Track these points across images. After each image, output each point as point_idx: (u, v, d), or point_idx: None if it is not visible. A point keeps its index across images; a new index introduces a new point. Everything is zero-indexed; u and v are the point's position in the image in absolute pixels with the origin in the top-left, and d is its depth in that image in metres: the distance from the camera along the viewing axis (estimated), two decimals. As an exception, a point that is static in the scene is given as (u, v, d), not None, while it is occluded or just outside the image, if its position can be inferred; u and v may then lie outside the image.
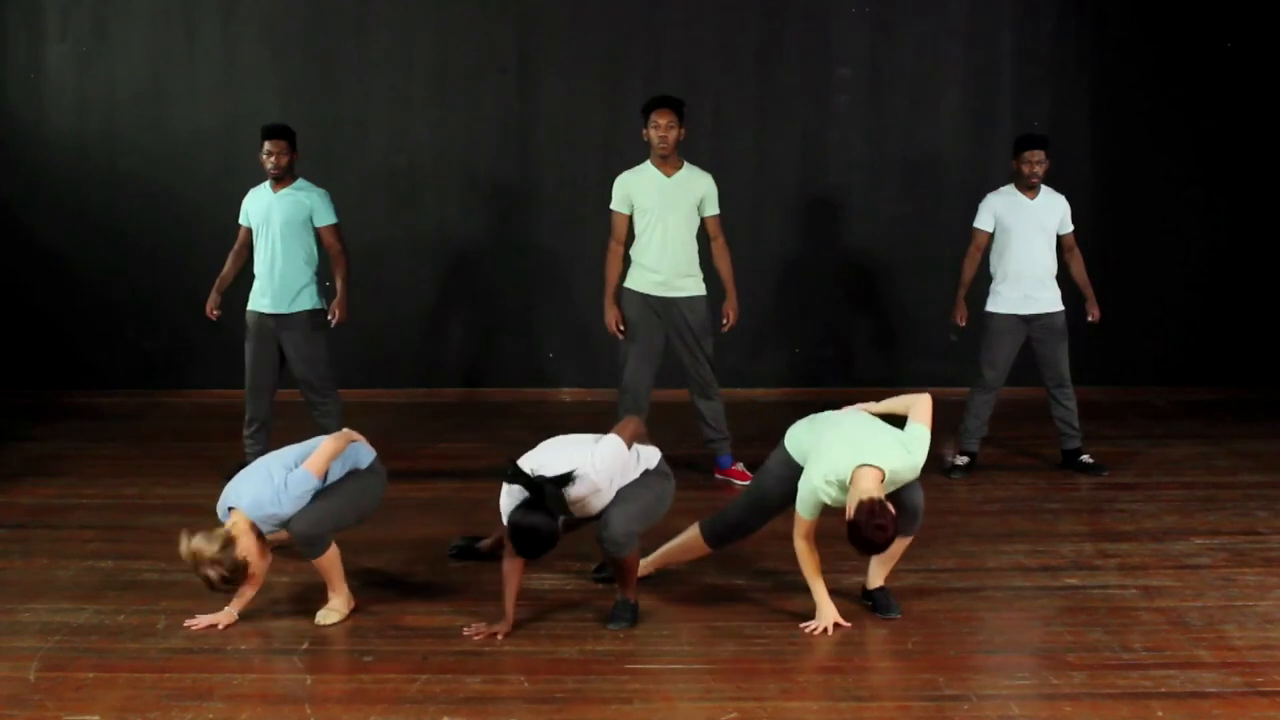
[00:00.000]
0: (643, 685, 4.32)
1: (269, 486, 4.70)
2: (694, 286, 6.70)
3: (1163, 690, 4.25)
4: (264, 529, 4.72)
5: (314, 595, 4.99)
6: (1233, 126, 8.74)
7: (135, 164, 8.68)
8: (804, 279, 8.87)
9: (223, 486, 4.85)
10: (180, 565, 5.34)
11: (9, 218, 8.74)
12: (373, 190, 8.65)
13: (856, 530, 4.45)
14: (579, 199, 8.57)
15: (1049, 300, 6.84)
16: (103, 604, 5.01)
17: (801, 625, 4.76)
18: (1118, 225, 8.69)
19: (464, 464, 7.21)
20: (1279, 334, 8.89)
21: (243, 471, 4.94)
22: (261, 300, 6.63)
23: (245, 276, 6.74)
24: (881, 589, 4.95)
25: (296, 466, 4.78)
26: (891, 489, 4.69)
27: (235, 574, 4.58)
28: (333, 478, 4.87)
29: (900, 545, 4.91)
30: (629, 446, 4.82)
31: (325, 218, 6.64)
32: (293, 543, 4.90)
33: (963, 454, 6.91)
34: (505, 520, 4.66)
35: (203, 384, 8.68)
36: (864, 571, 5.02)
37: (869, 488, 4.51)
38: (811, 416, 4.99)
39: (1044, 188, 6.85)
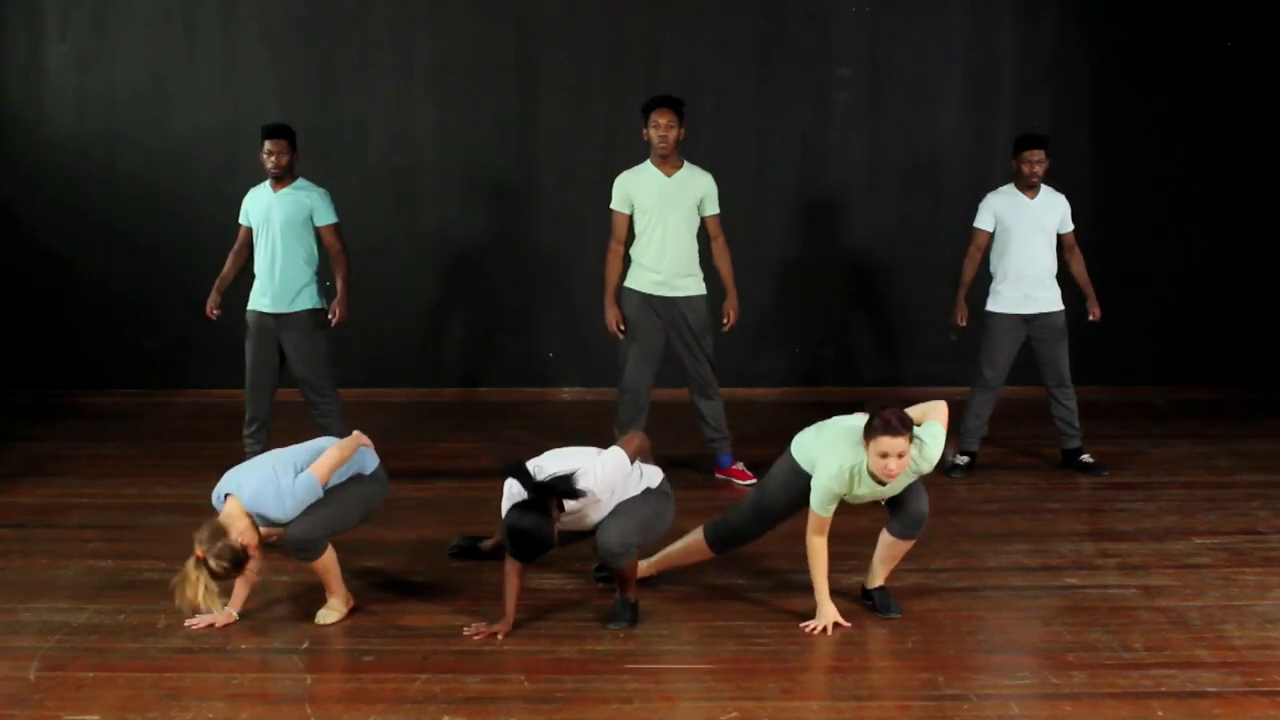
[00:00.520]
0: (643, 685, 4.32)
1: (273, 486, 4.68)
2: (694, 286, 6.70)
3: (1163, 690, 4.25)
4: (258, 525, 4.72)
5: (314, 595, 4.99)
6: (1233, 126, 8.74)
7: (135, 164, 8.69)
8: (804, 279, 8.87)
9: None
10: (180, 565, 5.36)
11: (9, 218, 8.74)
12: (373, 190, 8.65)
13: (878, 413, 4.54)
14: (579, 199, 8.56)
15: (1049, 300, 6.84)
16: (103, 603, 5.01)
17: (801, 625, 4.76)
18: (1118, 225, 8.69)
19: (464, 464, 7.21)
20: (1279, 334, 8.90)
21: (246, 464, 4.92)
22: (262, 300, 6.62)
23: (245, 276, 6.73)
24: (881, 589, 4.96)
25: (303, 470, 4.77)
26: (906, 480, 4.69)
27: (238, 560, 4.54)
28: (335, 482, 4.87)
29: (902, 548, 4.92)
30: (632, 462, 4.80)
31: (325, 217, 6.64)
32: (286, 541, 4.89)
33: (963, 454, 6.91)
34: (511, 563, 4.67)
35: (203, 384, 8.68)
36: (864, 571, 5.02)
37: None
38: (819, 424, 4.96)
39: (1044, 187, 6.85)
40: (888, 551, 4.93)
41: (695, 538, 5.12)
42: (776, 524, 5.07)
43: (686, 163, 6.66)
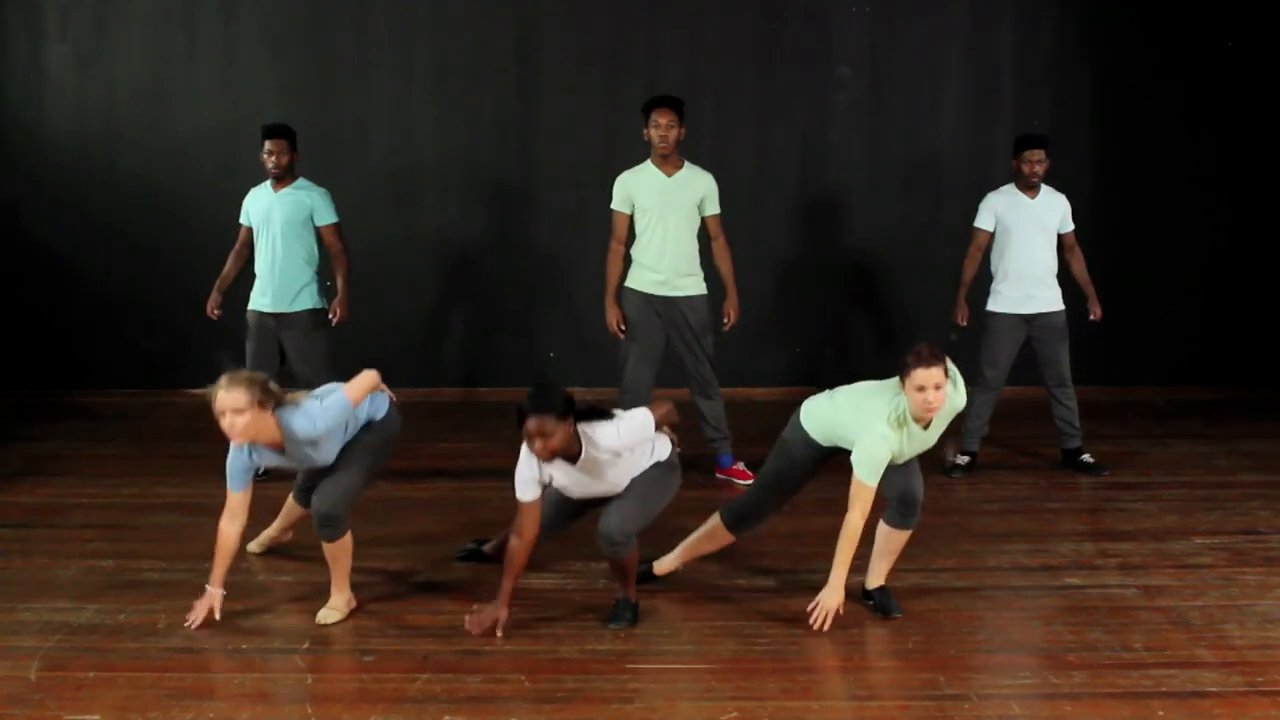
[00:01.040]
0: (643, 685, 4.32)
1: (300, 410, 4.64)
2: (694, 286, 6.70)
3: (1163, 690, 4.25)
4: (291, 451, 4.68)
5: (314, 595, 4.99)
6: (1233, 126, 8.74)
7: (135, 164, 8.69)
8: (804, 279, 8.87)
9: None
10: (180, 564, 5.37)
11: (9, 218, 8.74)
12: (373, 190, 8.66)
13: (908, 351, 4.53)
14: (579, 199, 8.56)
15: (1049, 299, 6.84)
16: (103, 603, 5.01)
17: (809, 607, 4.72)
18: (1118, 225, 8.69)
19: (464, 464, 7.21)
20: (1279, 334, 8.90)
21: None
22: (262, 299, 6.63)
23: (246, 276, 6.74)
24: (882, 588, 4.95)
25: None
26: (940, 426, 4.69)
27: (252, 378, 4.60)
28: (351, 433, 4.85)
29: (900, 539, 4.91)
30: (656, 428, 4.78)
31: (326, 217, 6.64)
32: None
33: (963, 453, 6.91)
34: (519, 487, 4.66)
35: (203, 384, 8.59)
36: (864, 571, 5.02)
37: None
38: (828, 392, 4.90)
39: (1044, 187, 6.86)
40: (886, 544, 4.93)
41: (714, 523, 5.10)
42: (790, 497, 5.03)
43: (687, 163, 6.66)
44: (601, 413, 4.67)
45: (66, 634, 4.72)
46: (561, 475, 4.72)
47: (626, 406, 6.55)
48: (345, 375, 4.99)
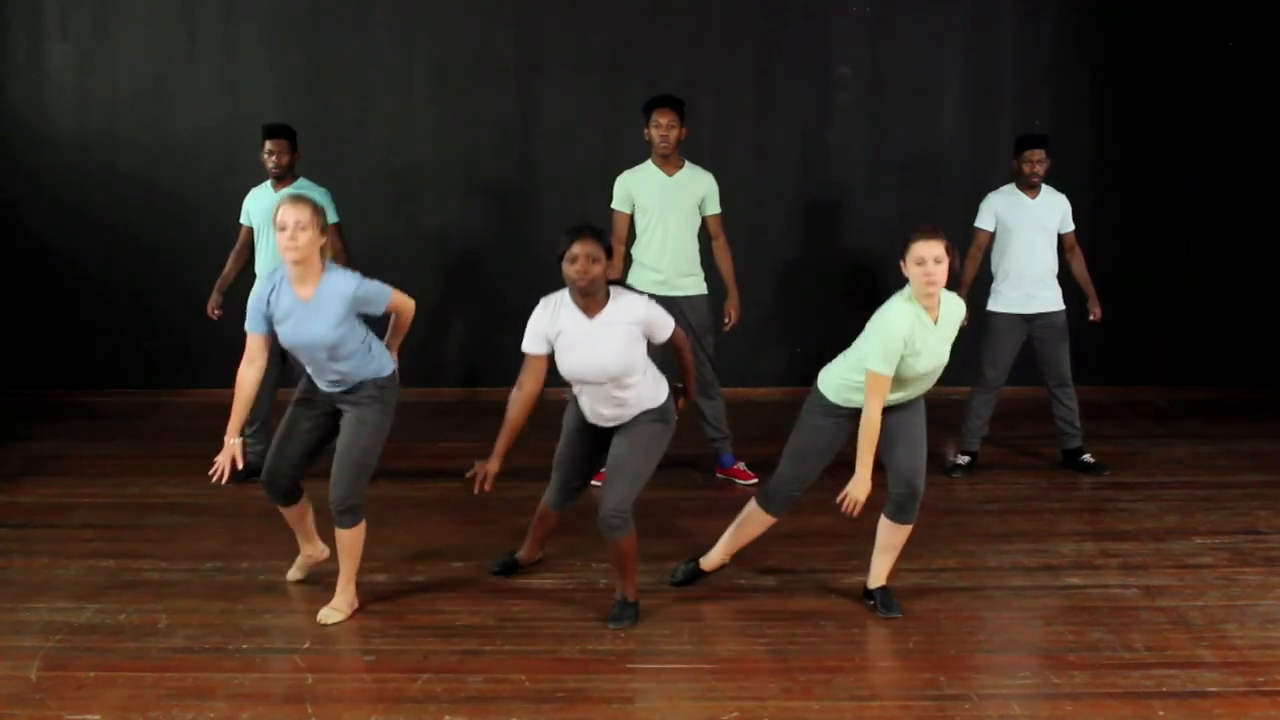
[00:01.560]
0: (644, 684, 4.33)
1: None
2: (695, 286, 6.70)
3: (1164, 690, 4.25)
4: (313, 309, 4.77)
5: (315, 595, 5.00)
6: (1233, 126, 8.74)
7: (135, 164, 8.69)
8: (804, 279, 8.87)
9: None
10: (181, 564, 5.37)
11: (10, 217, 8.74)
12: (373, 190, 8.66)
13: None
14: (579, 199, 8.55)
15: (1050, 299, 6.84)
16: (104, 603, 5.01)
17: (839, 498, 4.68)
18: (1118, 225, 8.69)
19: (464, 464, 7.06)
20: (1279, 334, 8.90)
21: None
22: (262, 300, 6.62)
23: (246, 276, 6.74)
24: (882, 588, 4.95)
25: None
26: (948, 328, 4.70)
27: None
28: (373, 350, 5.00)
29: (900, 535, 4.90)
30: (675, 349, 4.95)
31: (326, 217, 6.62)
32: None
33: (964, 453, 6.91)
34: (527, 339, 4.90)
35: (203, 384, 8.68)
36: (865, 571, 5.02)
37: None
38: (843, 353, 4.89)
39: (1045, 187, 6.86)
40: (887, 539, 4.92)
41: (750, 510, 5.07)
42: (825, 461, 4.96)
43: (687, 162, 6.66)
44: (636, 291, 4.87)
45: (67, 634, 4.72)
46: (572, 331, 4.80)
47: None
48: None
